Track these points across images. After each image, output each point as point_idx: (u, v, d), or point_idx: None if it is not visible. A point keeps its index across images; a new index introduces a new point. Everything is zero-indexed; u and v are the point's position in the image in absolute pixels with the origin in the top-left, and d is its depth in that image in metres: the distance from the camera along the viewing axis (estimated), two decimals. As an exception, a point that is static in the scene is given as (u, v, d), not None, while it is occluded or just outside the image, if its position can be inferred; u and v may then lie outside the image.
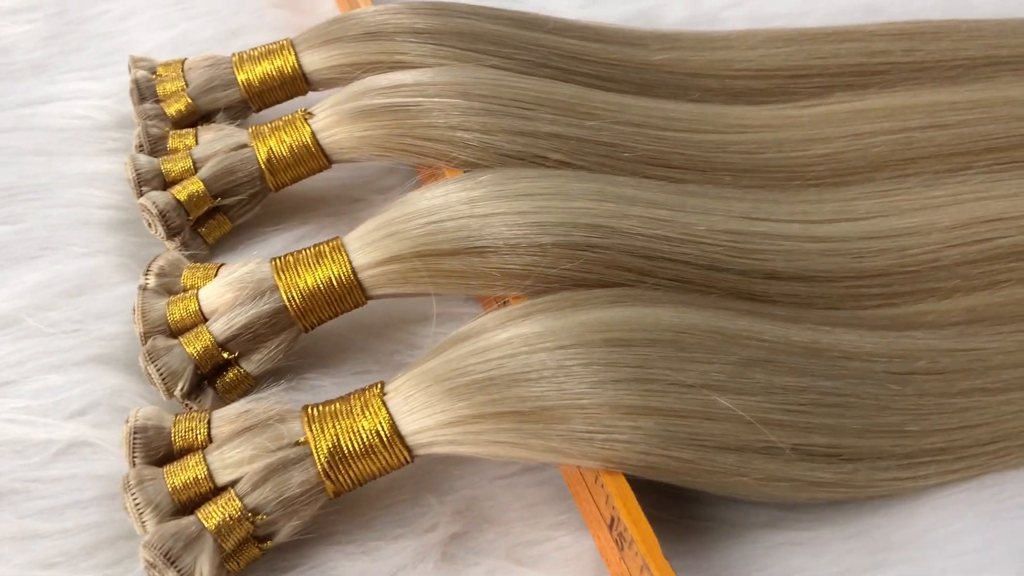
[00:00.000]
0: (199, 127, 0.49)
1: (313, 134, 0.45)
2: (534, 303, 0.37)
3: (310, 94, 0.51)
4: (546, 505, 0.38)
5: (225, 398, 0.40)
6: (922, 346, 0.42)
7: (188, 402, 0.39)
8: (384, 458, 0.35)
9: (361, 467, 0.35)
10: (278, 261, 0.40)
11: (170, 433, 0.37)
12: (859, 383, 0.38)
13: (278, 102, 0.51)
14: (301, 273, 0.40)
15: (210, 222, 0.46)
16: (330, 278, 0.39)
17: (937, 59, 0.57)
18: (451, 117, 0.43)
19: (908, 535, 0.38)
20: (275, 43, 0.50)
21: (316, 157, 0.46)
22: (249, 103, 0.50)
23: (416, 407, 0.34)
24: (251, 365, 0.40)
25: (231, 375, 0.40)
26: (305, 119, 0.46)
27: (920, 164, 0.50)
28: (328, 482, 0.35)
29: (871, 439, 0.38)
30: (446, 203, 0.40)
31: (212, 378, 0.40)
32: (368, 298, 0.41)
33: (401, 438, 0.35)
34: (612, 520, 0.34)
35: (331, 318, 0.41)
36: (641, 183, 0.43)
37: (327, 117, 0.45)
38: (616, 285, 0.39)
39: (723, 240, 0.41)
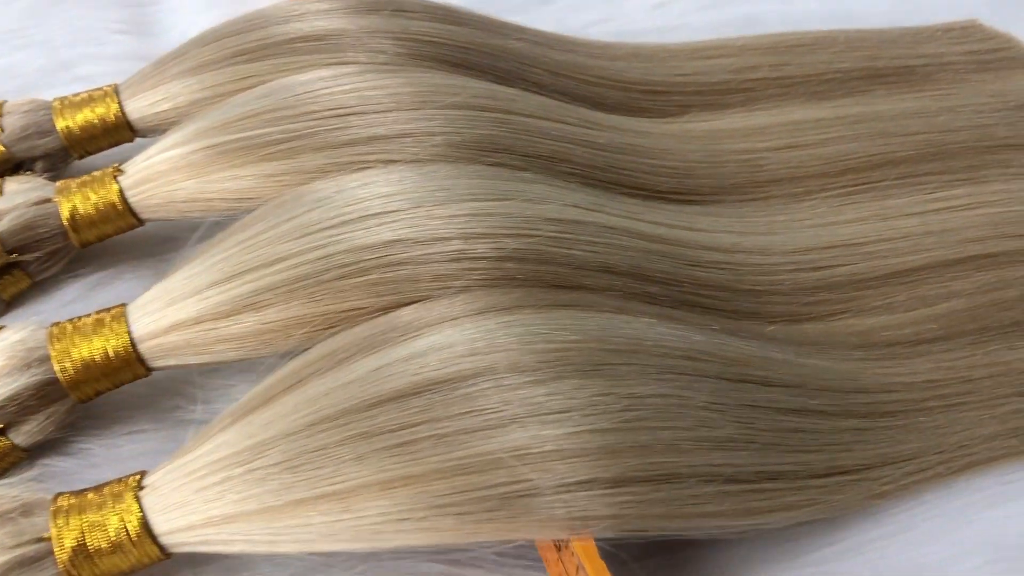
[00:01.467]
0: (6, 178, 0.46)
1: (121, 192, 0.43)
2: (304, 364, 0.34)
3: (138, 140, 0.48)
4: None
5: (-9, 473, 0.37)
6: (756, 352, 0.37)
7: (-53, 478, 0.36)
8: (134, 556, 0.32)
9: (109, 565, 0.32)
10: (55, 328, 0.38)
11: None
12: (685, 386, 0.33)
13: (102, 150, 0.48)
14: (77, 343, 0.37)
15: (7, 278, 0.43)
16: (106, 349, 0.37)
17: (808, 73, 0.54)
18: (251, 152, 0.40)
19: None
20: (99, 89, 0.48)
21: (124, 216, 0.43)
22: (70, 151, 0.48)
23: (170, 505, 0.32)
24: (20, 436, 0.37)
25: (-2, 448, 0.37)
26: (115, 175, 0.43)
27: (769, 188, 0.48)
28: (71, 581, 0.32)
29: (699, 455, 0.32)
30: (226, 256, 0.37)
31: (-22, 451, 0.37)
32: (151, 369, 0.38)
33: (153, 537, 0.32)
34: None
35: (111, 389, 0.38)
36: (459, 171, 0.38)
37: (136, 174, 0.43)
38: (418, 299, 0.35)
39: (549, 230, 0.37)
